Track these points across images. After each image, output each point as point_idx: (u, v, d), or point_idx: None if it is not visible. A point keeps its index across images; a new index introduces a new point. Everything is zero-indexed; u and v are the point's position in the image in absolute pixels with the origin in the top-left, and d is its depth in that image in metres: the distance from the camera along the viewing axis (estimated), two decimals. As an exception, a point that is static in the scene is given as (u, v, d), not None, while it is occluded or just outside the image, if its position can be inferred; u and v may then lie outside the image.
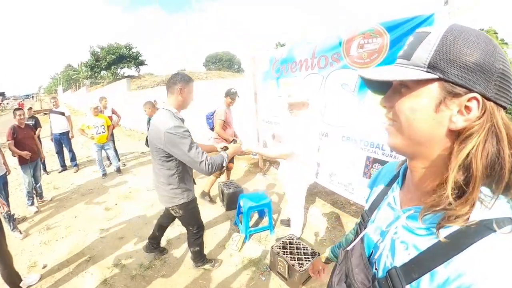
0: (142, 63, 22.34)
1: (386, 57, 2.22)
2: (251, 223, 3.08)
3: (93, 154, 4.94)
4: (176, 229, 2.99)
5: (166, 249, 2.67)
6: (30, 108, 5.23)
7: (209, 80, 11.48)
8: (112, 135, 5.31)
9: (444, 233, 0.42)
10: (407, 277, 0.46)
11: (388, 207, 0.60)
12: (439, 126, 0.44)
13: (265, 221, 3.14)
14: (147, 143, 6.19)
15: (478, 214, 0.40)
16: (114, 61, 20.72)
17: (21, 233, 3.02)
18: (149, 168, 5.53)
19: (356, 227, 0.80)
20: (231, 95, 3.58)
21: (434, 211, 0.44)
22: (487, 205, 0.40)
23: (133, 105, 9.95)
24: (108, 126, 4.80)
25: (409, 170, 0.54)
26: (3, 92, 52.15)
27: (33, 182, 3.68)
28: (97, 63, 21.19)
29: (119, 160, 5.41)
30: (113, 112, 5.70)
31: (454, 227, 0.41)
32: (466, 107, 0.41)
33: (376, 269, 0.57)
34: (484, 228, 0.39)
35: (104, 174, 4.89)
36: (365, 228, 0.66)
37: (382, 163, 2.37)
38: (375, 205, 0.67)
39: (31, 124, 4.42)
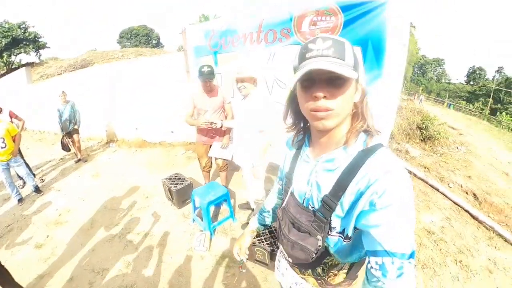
0: (43, 46, 17.56)
1: (339, 35, 2.19)
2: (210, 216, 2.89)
3: None
4: (133, 250, 2.62)
5: None
6: None
7: (126, 60, 9.91)
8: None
9: (351, 154, 0.69)
10: (335, 197, 0.68)
11: (304, 162, 0.82)
12: (352, 102, 0.68)
13: (224, 211, 3.04)
14: (63, 147, 5.18)
15: (370, 143, 0.68)
16: (6, 46, 15.51)
17: None
18: (72, 177, 4.67)
19: (282, 188, 0.97)
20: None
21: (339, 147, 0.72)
22: (372, 138, 0.69)
23: (39, 100, 8.02)
24: (13, 136, 3.53)
25: (318, 135, 0.75)
26: None
27: None
28: None
29: (34, 175, 4.21)
30: (12, 115, 4.36)
31: (354, 152, 0.68)
32: (357, 89, 0.68)
33: (312, 207, 0.77)
34: (372, 149, 0.66)
35: (20, 199, 3.76)
36: (292, 185, 0.85)
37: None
38: (293, 166, 0.86)
39: None
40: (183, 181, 3.33)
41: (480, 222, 2.95)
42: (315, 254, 0.75)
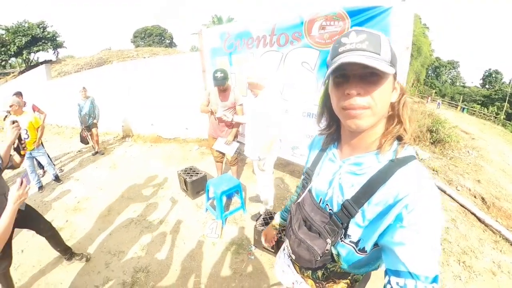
0: (60, 45, 18.24)
1: None
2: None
3: (22, 164, 3.97)
4: (148, 236, 2.78)
5: (81, 253, 2.48)
6: None
7: (141, 58, 10.22)
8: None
9: (382, 161, 0.64)
10: (358, 204, 0.65)
11: (329, 162, 0.79)
12: (389, 102, 0.63)
13: (235, 202, 3.19)
14: (82, 140, 5.44)
15: (400, 153, 0.63)
16: (26, 44, 16.19)
17: None
18: (90, 168, 4.91)
19: (301, 183, 0.95)
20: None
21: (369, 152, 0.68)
22: (404, 147, 0.64)
23: (58, 96, 8.39)
24: (37, 128, 3.76)
25: (350, 136, 0.70)
26: None
27: None
28: (3, 49, 16.04)
29: (54, 166, 4.53)
30: (34, 109, 4.65)
31: (384, 160, 0.64)
32: (395, 88, 0.64)
33: (330, 209, 0.73)
34: (404, 160, 0.62)
35: (40, 187, 4.04)
36: (311, 182, 0.83)
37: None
38: (315, 163, 0.84)
39: None
40: (198, 173, 3.49)
41: (486, 225, 2.94)
42: (320, 256, 0.72)
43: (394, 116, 0.65)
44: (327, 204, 0.75)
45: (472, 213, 3.13)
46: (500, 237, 2.77)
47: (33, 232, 2.23)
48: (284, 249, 1.08)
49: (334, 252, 0.75)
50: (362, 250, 0.69)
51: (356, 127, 0.62)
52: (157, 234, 2.80)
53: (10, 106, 3.38)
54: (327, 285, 0.85)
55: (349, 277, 0.82)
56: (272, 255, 2.32)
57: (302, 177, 0.93)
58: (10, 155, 1.81)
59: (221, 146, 3.18)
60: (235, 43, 3.27)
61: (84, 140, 5.47)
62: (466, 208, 3.21)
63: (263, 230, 2.18)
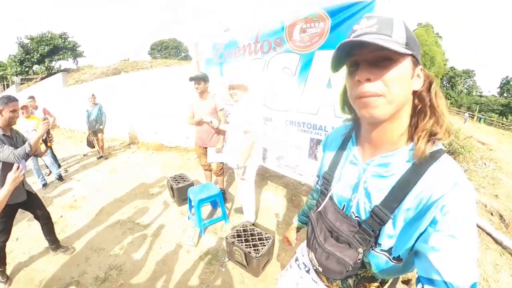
0: (80, 54, 19.63)
1: (327, 40, 2.27)
2: (205, 215, 3.09)
3: (28, 163, 4.30)
4: (129, 237, 2.86)
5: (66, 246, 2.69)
6: None
7: (153, 69, 10.68)
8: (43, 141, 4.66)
9: (407, 164, 0.59)
10: (389, 209, 0.59)
11: (351, 165, 0.72)
12: (410, 89, 0.57)
13: (220, 212, 3.15)
14: (88, 144, 5.73)
15: (431, 148, 0.57)
16: (48, 53, 17.63)
17: None
18: (92, 170, 5.14)
19: (318, 189, 0.86)
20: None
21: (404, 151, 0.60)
22: (436, 143, 0.58)
23: (72, 102, 8.91)
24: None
25: (369, 130, 0.64)
26: None
27: None
28: (27, 57, 17.69)
29: (59, 166, 4.84)
30: (45, 112, 4.99)
31: (412, 160, 0.58)
32: (418, 75, 0.58)
33: (356, 216, 0.67)
34: (434, 155, 0.56)
35: (45, 184, 4.34)
36: (331, 187, 0.76)
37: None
38: (334, 166, 0.77)
39: None
40: (185, 180, 3.56)
41: (504, 248, 2.57)
42: (352, 267, 0.67)
43: (424, 108, 0.58)
44: (352, 212, 0.69)
45: (488, 234, 2.75)
46: (521, 262, 2.36)
47: (29, 224, 2.55)
48: (296, 260, 1.02)
49: (365, 260, 0.69)
50: (397, 259, 0.62)
51: (370, 116, 0.57)
52: (138, 236, 2.87)
53: (22, 108, 3.73)
54: None
55: (379, 279, 0.76)
56: (243, 269, 2.27)
57: (318, 181, 0.86)
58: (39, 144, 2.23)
59: (213, 156, 3.22)
60: (224, 53, 3.39)
61: (90, 144, 5.75)
62: (480, 228, 2.80)
63: (233, 242, 2.21)
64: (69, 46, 18.70)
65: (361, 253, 0.65)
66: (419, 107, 0.59)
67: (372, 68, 0.55)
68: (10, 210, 2.19)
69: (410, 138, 0.60)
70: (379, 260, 0.65)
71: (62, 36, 18.61)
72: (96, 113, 5.55)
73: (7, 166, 1.95)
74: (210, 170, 3.51)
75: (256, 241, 2.25)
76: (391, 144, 0.62)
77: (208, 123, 3.01)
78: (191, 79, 3.00)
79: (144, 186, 4.27)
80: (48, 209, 3.45)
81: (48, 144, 2.43)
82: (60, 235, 2.90)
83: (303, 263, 0.98)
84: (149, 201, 3.71)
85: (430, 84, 0.59)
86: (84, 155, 6.26)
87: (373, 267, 0.68)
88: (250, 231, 2.37)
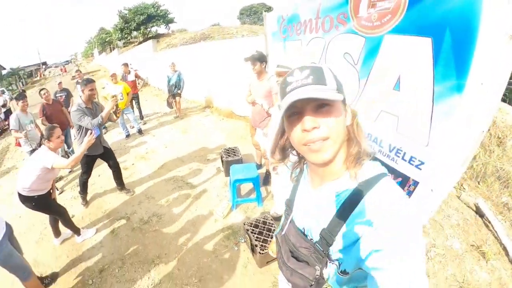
0: (171, 21, 22.17)
1: (402, 20, 1.62)
2: (243, 192, 3.20)
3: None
4: (176, 193, 3.26)
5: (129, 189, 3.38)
6: (78, 71, 6.17)
7: (237, 38, 10.94)
8: (134, 98, 5.70)
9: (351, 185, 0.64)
10: (333, 232, 0.66)
11: (304, 192, 0.81)
12: (345, 126, 0.64)
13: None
14: (168, 105, 6.57)
15: (368, 171, 0.64)
16: (143, 21, 20.85)
17: (57, 189, 3.57)
18: (167, 128, 5.91)
19: (284, 214, 0.95)
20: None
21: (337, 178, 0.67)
22: (363, 164, 0.65)
23: (160, 66, 10.17)
24: (128, 93, 4.86)
25: (315, 168, 0.72)
26: (45, 62, 56.32)
27: (66, 148, 4.34)
28: (126, 25, 21.60)
29: (142, 119, 5.92)
30: (136, 76, 5.93)
31: (354, 184, 0.64)
32: (346, 111, 0.65)
33: (311, 238, 0.76)
34: (371, 181, 0.61)
35: (127, 136, 5.34)
36: (291, 213, 0.85)
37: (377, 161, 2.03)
38: (294, 193, 0.86)
39: (64, 96, 5.01)
40: (236, 155, 3.67)
41: None
42: (313, 282, 0.74)
43: (351, 138, 0.67)
44: (309, 233, 0.76)
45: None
46: None
47: (106, 166, 3.27)
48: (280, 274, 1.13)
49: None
50: (343, 272, 0.69)
51: (321, 160, 0.61)
52: (183, 193, 3.27)
53: (111, 76, 4.71)
54: None
55: None
56: (252, 255, 2.29)
57: (284, 207, 0.94)
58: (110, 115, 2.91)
59: (261, 139, 3.20)
60: (287, 28, 3.14)
61: (169, 105, 6.59)
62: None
63: (248, 230, 2.24)
64: (161, 14, 21.35)
65: (318, 270, 0.72)
66: (347, 137, 0.67)
67: (315, 115, 0.60)
68: (91, 160, 2.97)
69: (347, 166, 0.67)
70: (329, 270, 0.73)
71: (155, 5, 21.26)
72: (175, 79, 6.22)
73: (88, 130, 2.56)
74: (261, 150, 3.56)
75: (268, 237, 2.20)
76: (335, 174, 0.68)
77: (259, 105, 2.96)
78: (246, 59, 2.92)
79: (205, 150, 4.61)
80: (125, 157, 4.44)
81: (117, 115, 3.20)
82: (128, 179, 3.59)
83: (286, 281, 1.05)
84: (203, 166, 4.03)
85: (355, 117, 0.67)
86: (164, 113, 7.25)
87: (328, 278, 0.75)
88: (268, 225, 2.33)
